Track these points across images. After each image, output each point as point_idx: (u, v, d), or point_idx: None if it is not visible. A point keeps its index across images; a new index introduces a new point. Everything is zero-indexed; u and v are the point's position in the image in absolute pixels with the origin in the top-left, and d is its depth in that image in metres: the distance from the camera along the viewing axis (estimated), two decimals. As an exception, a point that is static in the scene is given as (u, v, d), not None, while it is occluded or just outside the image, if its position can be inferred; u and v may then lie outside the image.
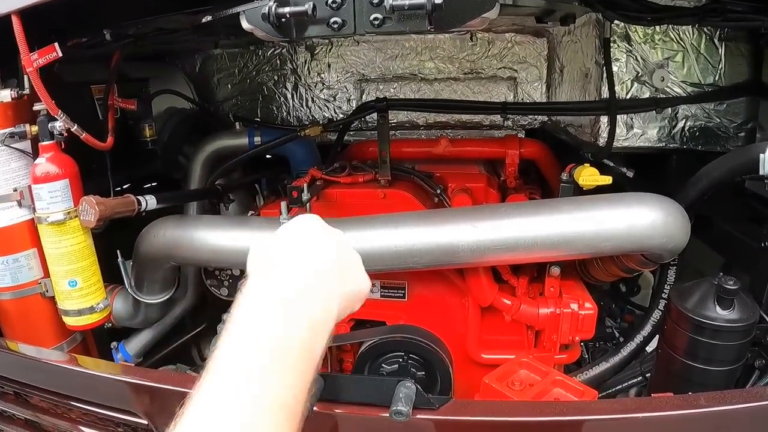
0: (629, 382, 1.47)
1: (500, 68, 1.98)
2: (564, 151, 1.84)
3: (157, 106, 1.96)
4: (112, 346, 1.64)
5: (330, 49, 2.07)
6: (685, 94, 1.54)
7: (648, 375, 1.41)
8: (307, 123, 2.11)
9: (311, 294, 0.59)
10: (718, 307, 1.02)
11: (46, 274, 1.30)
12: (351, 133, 2.02)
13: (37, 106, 1.20)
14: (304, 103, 2.15)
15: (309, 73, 2.12)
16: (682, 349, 1.07)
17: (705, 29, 1.50)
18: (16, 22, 1.04)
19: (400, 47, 2.01)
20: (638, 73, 1.55)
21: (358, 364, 1.35)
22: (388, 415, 0.85)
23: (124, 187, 1.77)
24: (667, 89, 1.54)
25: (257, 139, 1.82)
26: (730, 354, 1.04)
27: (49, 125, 1.19)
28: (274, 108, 2.18)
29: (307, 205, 1.36)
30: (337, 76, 2.09)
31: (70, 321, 1.31)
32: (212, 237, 1.32)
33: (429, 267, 1.23)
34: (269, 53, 2.13)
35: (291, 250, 0.64)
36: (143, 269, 1.46)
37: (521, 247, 1.15)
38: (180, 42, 1.82)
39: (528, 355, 1.25)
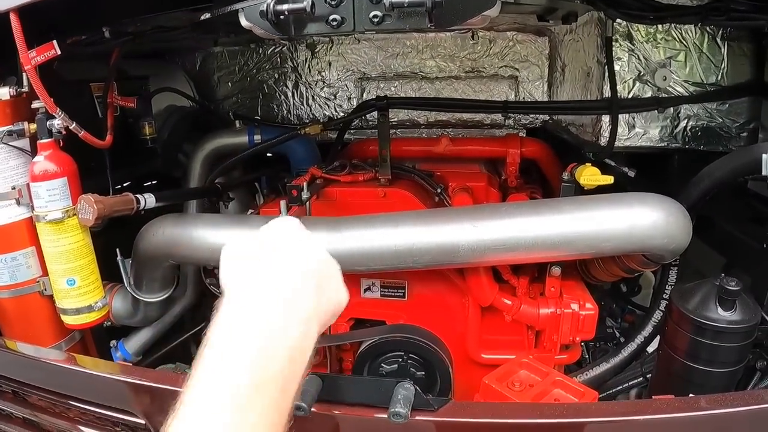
0: (630, 383, 1.47)
1: (501, 67, 1.97)
2: (565, 151, 1.83)
3: (156, 104, 1.96)
4: (111, 345, 1.64)
5: (331, 48, 2.07)
6: (687, 94, 1.53)
7: (649, 376, 1.40)
8: (308, 121, 2.11)
9: (290, 319, 0.57)
10: (719, 309, 1.02)
11: (45, 272, 1.30)
12: (351, 131, 2.02)
13: (35, 104, 1.20)
14: (304, 102, 2.15)
15: (309, 72, 2.11)
16: (683, 350, 1.07)
17: (708, 28, 1.49)
18: (14, 19, 1.03)
19: (401, 45, 2.00)
20: (640, 72, 1.54)
21: (358, 363, 1.35)
22: (386, 416, 0.85)
23: (124, 185, 1.77)
24: (670, 89, 1.53)
25: (257, 138, 1.81)
26: (732, 355, 1.03)
27: (48, 123, 1.19)
28: (275, 106, 2.17)
29: (307, 203, 1.36)
30: (338, 75, 2.09)
31: (68, 320, 1.31)
32: (212, 235, 1.31)
33: (429, 266, 1.22)
34: (270, 51, 2.13)
35: (267, 265, 0.61)
36: (142, 268, 1.45)
37: (522, 247, 1.14)
38: (179, 40, 1.81)
39: (528, 355, 1.25)
